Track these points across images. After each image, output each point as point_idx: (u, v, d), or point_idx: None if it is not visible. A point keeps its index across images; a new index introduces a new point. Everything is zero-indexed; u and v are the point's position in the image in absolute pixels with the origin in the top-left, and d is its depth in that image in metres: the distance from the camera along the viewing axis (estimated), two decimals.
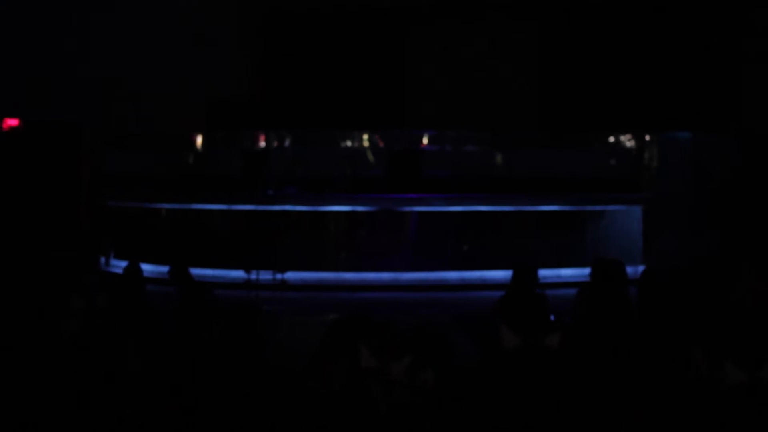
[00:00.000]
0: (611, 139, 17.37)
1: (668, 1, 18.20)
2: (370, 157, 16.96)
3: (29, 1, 17.35)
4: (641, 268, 15.41)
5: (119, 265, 14.98)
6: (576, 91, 18.47)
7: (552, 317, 8.17)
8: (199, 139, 17.49)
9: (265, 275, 14.58)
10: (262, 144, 17.21)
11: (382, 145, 17.19)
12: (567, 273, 14.05)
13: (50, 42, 17.38)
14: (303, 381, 5.19)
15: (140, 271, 8.86)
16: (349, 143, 17.19)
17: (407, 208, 15.44)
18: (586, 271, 8.42)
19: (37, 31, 17.33)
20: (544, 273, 10.98)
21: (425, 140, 17.26)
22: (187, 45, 17.77)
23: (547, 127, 18.36)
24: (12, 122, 17.13)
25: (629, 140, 17.22)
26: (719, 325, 5.25)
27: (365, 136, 17.13)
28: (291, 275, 14.74)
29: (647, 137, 16.96)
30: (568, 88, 18.53)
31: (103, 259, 16.68)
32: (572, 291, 8.55)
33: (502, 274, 14.36)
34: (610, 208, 16.01)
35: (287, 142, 17.23)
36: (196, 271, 10.29)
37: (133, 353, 5.60)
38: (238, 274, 14.63)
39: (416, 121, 18.56)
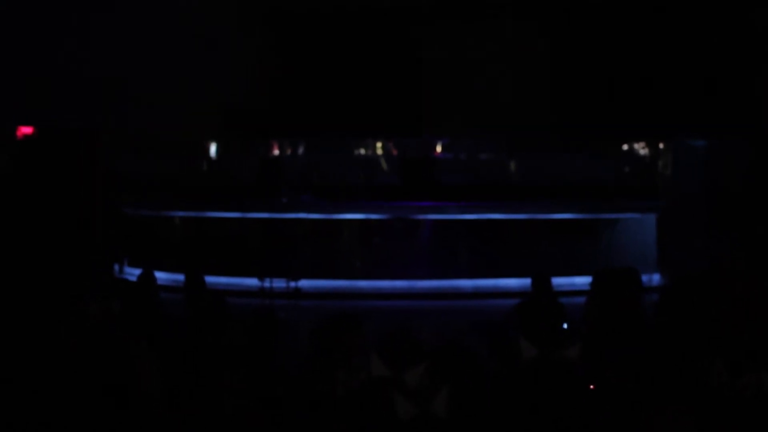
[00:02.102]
0: (625, 147, 17.36)
1: (681, 4, 18.16)
2: (384, 164, 16.97)
3: (42, 7, 17.40)
4: (656, 276, 15.45)
5: (133, 273, 15.01)
6: (590, 96, 18.43)
7: (565, 326, 8.15)
8: (214, 147, 17.54)
9: (279, 283, 14.58)
10: (276, 152, 17.24)
11: (395, 152, 17.20)
12: (581, 281, 14.00)
13: (62, 48, 17.43)
14: (313, 387, 5.18)
15: (154, 279, 8.86)
16: (362, 151, 17.21)
17: (421, 216, 15.42)
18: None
19: (50, 38, 17.37)
20: (559, 281, 10.96)
21: (439, 147, 17.27)
22: (202, 52, 17.80)
23: (560, 132, 18.31)
24: (26, 130, 17.18)
25: (643, 148, 17.20)
26: (740, 332, 5.23)
27: (379, 144, 17.14)
28: (305, 283, 14.73)
29: (661, 145, 16.93)
30: (582, 93, 18.49)
31: (117, 267, 16.70)
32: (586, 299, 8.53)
33: (516, 282, 14.36)
34: (624, 215, 15.98)
35: (301, 150, 17.26)
36: (209, 279, 10.26)
37: (144, 360, 5.60)
38: (252, 282, 14.63)
39: (430, 126, 18.54)
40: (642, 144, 17.16)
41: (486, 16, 18.87)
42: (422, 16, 18.86)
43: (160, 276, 9.45)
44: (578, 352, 4.38)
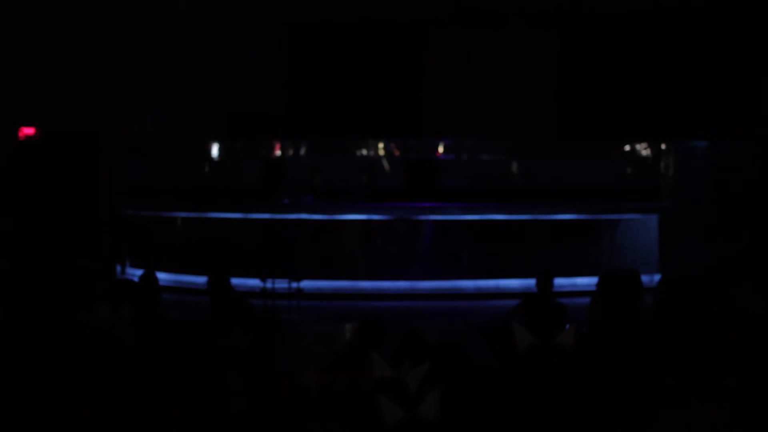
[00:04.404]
0: (627, 148, 17.36)
1: (685, 11, 18.18)
2: (386, 165, 16.97)
3: (49, 11, 17.43)
4: (657, 276, 15.45)
5: (135, 274, 15.03)
6: (594, 100, 18.46)
7: (567, 326, 8.17)
8: (216, 148, 17.54)
9: (281, 284, 14.58)
10: (279, 153, 17.24)
11: (398, 153, 17.20)
12: (583, 282, 14.03)
13: (67, 51, 17.46)
14: (316, 390, 5.20)
15: (156, 279, 8.87)
16: (365, 152, 17.21)
17: (423, 217, 15.43)
18: None
19: (54, 40, 17.40)
20: (560, 282, 10.98)
21: (441, 149, 17.26)
22: (206, 55, 17.83)
23: (564, 136, 18.35)
24: (28, 131, 17.20)
25: (645, 149, 17.19)
26: (739, 334, 5.24)
27: (381, 145, 17.14)
28: (307, 284, 14.73)
29: (663, 146, 16.93)
30: (586, 98, 18.53)
31: (119, 268, 16.73)
32: (588, 300, 8.54)
33: (518, 283, 14.38)
34: (626, 216, 15.98)
35: (303, 151, 17.26)
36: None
37: (145, 361, 5.62)
38: (254, 282, 14.62)
39: (434, 129, 18.57)
40: (644, 145, 17.15)
41: (497, 27, 18.92)
42: (427, 22, 18.90)
43: (162, 276, 9.47)
44: (573, 338, 4.38)
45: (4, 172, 16.96)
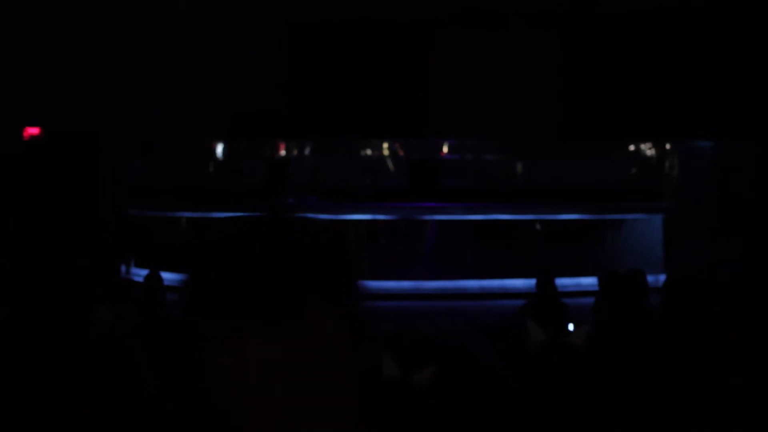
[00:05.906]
0: (632, 148, 17.34)
1: (686, 11, 18.16)
2: (390, 166, 16.96)
3: (51, 11, 17.41)
4: (662, 277, 15.40)
5: (140, 274, 15.00)
6: (597, 100, 18.43)
7: (571, 327, 8.13)
8: (220, 148, 17.53)
9: None
10: (283, 153, 17.23)
11: (402, 153, 17.19)
12: (587, 282, 13.98)
13: (70, 52, 17.44)
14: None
15: (161, 280, 8.84)
16: (369, 152, 17.20)
17: (427, 217, 15.41)
18: None
19: (59, 41, 17.39)
20: (565, 282, 10.95)
21: (445, 149, 17.25)
22: (207, 55, 17.80)
23: (566, 136, 18.32)
24: (33, 131, 17.18)
25: (650, 149, 17.17)
26: (738, 334, 5.21)
27: (385, 145, 17.13)
28: None
29: (668, 146, 16.90)
30: (588, 98, 18.50)
31: (123, 268, 16.70)
32: (592, 300, 8.51)
33: (522, 283, 14.34)
34: (630, 216, 15.95)
35: (307, 151, 17.25)
36: None
37: (147, 364, 5.59)
38: None
39: (438, 130, 18.55)
40: (648, 145, 17.13)
41: (500, 27, 18.91)
42: (429, 22, 18.88)
43: (166, 276, 9.42)
44: (584, 338, 4.36)
45: (4, 172, 16.93)
